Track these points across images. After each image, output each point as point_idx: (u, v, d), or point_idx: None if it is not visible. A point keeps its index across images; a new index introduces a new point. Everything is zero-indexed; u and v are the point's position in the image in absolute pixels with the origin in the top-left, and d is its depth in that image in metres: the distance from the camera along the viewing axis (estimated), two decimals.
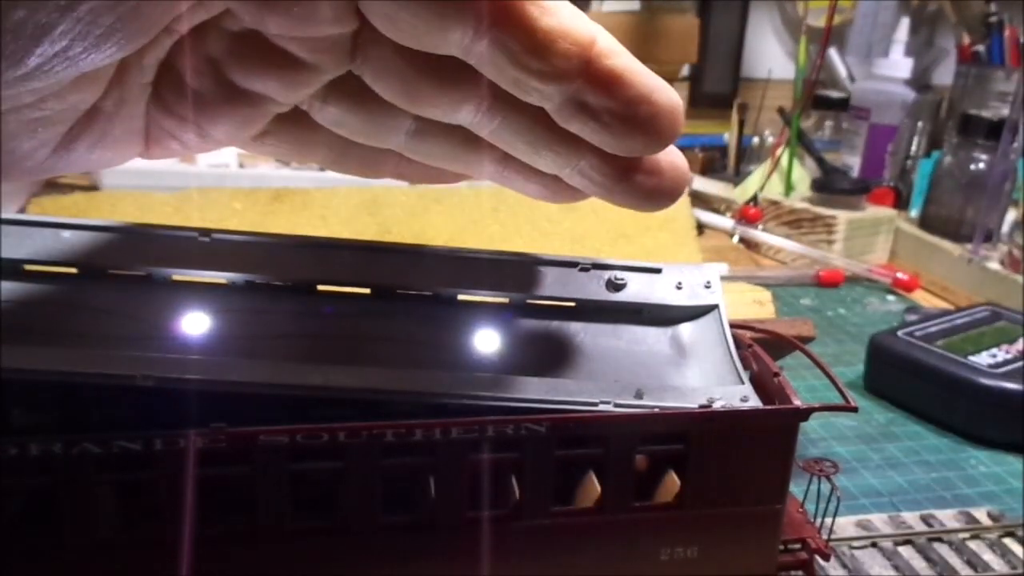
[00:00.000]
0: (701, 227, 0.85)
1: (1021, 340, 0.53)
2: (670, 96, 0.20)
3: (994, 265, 0.71)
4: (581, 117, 0.19)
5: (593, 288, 0.34)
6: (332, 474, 0.26)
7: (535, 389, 0.29)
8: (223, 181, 0.63)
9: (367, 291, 0.33)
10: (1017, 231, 0.70)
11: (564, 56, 0.18)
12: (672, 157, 0.22)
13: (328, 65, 0.20)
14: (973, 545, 0.38)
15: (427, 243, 0.34)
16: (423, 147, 0.23)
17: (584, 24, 0.18)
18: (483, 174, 0.25)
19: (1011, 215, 0.77)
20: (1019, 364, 0.50)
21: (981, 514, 0.40)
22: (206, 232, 0.31)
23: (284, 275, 0.32)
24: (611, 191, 0.22)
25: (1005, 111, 0.78)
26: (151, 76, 0.21)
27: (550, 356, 0.33)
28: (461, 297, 0.34)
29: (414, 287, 0.33)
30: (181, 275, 0.31)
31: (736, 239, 0.83)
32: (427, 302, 0.33)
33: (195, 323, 0.30)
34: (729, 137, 1.03)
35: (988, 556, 0.37)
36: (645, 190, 0.22)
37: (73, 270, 0.29)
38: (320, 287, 0.33)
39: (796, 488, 0.34)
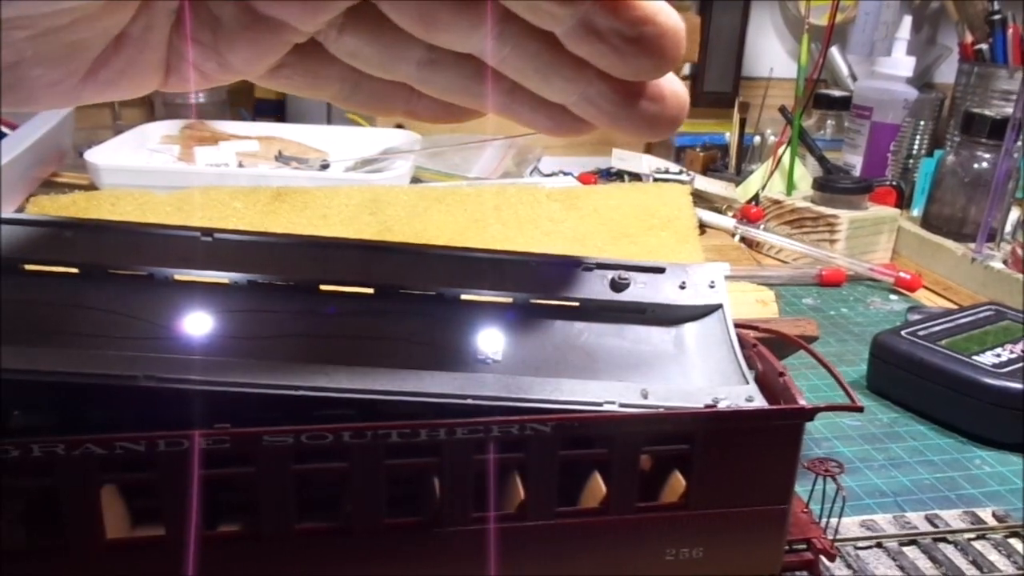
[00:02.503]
0: (703, 226, 0.84)
1: None
2: (673, 17, 0.21)
3: (997, 264, 0.71)
4: (590, 39, 0.20)
5: (597, 288, 0.34)
6: (337, 475, 0.26)
7: (540, 389, 0.29)
8: (223, 180, 0.63)
9: (370, 291, 0.33)
10: (1020, 230, 0.70)
11: None
12: (673, 86, 0.23)
13: None
14: (978, 545, 0.38)
15: (429, 242, 0.34)
16: (434, 78, 0.24)
17: None
18: (492, 107, 0.25)
19: (1014, 214, 0.76)
20: (1023, 363, 0.50)
21: (986, 514, 0.40)
22: (208, 232, 0.31)
23: (287, 275, 0.32)
24: (616, 118, 0.23)
25: (1008, 109, 0.78)
26: (176, 1, 0.21)
27: (554, 356, 0.33)
28: (464, 297, 0.33)
29: (417, 287, 0.33)
30: (183, 275, 0.31)
31: (738, 238, 0.83)
32: (431, 302, 0.33)
33: (197, 323, 0.30)
34: (730, 136, 1.03)
35: (994, 556, 0.37)
36: (649, 116, 0.23)
37: (74, 270, 0.29)
38: (323, 287, 0.32)
39: (801, 488, 0.34)
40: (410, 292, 0.33)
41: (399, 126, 0.93)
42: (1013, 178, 0.74)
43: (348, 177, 0.71)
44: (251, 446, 0.25)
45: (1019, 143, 0.72)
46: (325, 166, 0.76)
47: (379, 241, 0.34)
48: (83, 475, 0.24)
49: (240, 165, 0.74)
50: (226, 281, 0.31)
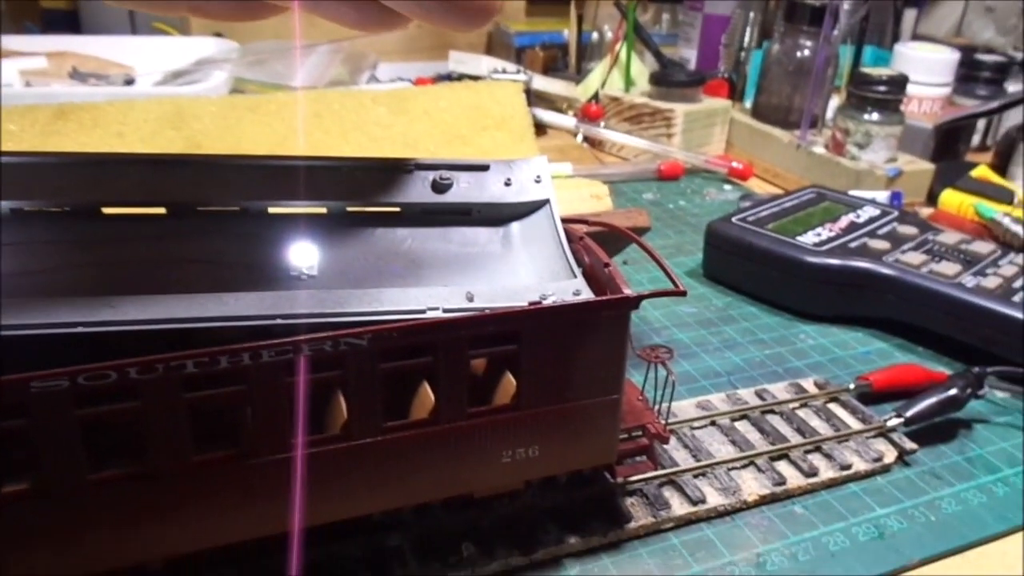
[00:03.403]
0: (545, 127, 0.83)
1: (843, 218, 0.56)
2: None
3: (819, 149, 0.74)
4: None
5: (418, 190, 0.32)
6: (132, 415, 0.23)
7: (358, 301, 0.27)
8: (5, 103, 0.55)
9: (162, 210, 0.29)
10: (839, 115, 0.73)
11: None
12: None
13: None
14: (802, 413, 0.40)
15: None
16: None
17: None
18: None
19: (834, 101, 0.80)
20: (840, 241, 0.52)
21: (808, 384, 0.42)
22: None
23: (60, 199, 0.28)
24: (427, 8, 0.22)
25: None
26: None
27: (376, 266, 0.31)
28: (272, 210, 0.31)
29: (217, 202, 0.30)
30: None
31: (580, 138, 0.83)
32: (234, 218, 0.30)
33: None
34: (569, 34, 1.02)
35: (815, 422, 0.39)
36: (462, 4, 0.22)
37: None
38: (105, 209, 0.29)
39: (638, 376, 0.35)
40: (209, 209, 0.30)
41: (218, 34, 0.85)
42: (832, 65, 0.77)
43: (157, 92, 0.64)
44: (18, 395, 0.22)
45: (836, 31, 0.75)
46: (130, 81, 0.69)
47: (169, 154, 0.30)
48: None
49: (27, 84, 0.66)
50: None
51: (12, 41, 0.75)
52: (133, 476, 0.24)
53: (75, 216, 0.28)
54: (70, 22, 0.90)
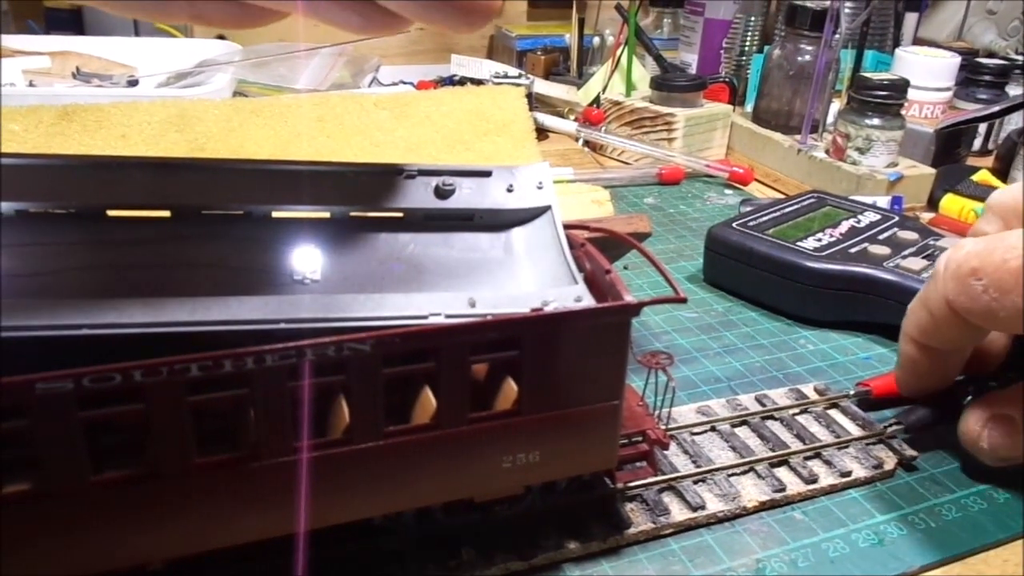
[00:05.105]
0: (545, 131, 0.84)
1: (844, 223, 0.56)
2: None
3: (820, 154, 0.74)
4: None
5: (421, 196, 0.32)
6: (138, 417, 0.24)
7: (361, 307, 0.27)
8: (9, 102, 0.56)
9: (167, 214, 0.29)
10: (840, 120, 0.73)
11: None
12: None
13: None
14: (802, 419, 0.40)
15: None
16: None
17: None
18: (292, 5, 0.24)
19: (835, 105, 0.80)
20: (841, 246, 0.52)
21: (808, 389, 0.42)
22: None
23: (66, 201, 0.28)
24: (428, 8, 0.22)
25: (828, 1, 0.80)
26: None
27: (379, 271, 0.31)
28: (276, 214, 0.31)
29: (221, 206, 0.30)
30: None
31: (581, 142, 0.83)
32: (238, 222, 0.30)
33: None
34: (570, 38, 1.02)
35: (815, 428, 0.39)
36: (461, 4, 0.22)
37: None
38: (111, 212, 0.29)
39: (639, 382, 0.35)
40: (213, 212, 0.30)
41: (220, 36, 0.85)
42: (833, 70, 0.77)
43: (160, 93, 0.64)
44: (22, 396, 0.22)
45: (837, 35, 0.75)
46: (133, 82, 0.69)
47: (174, 158, 0.30)
48: None
49: (31, 84, 0.66)
50: None
51: (15, 40, 0.76)
52: (136, 478, 0.24)
53: (80, 218, 0.29)
54: (73, 22, 0.91)
